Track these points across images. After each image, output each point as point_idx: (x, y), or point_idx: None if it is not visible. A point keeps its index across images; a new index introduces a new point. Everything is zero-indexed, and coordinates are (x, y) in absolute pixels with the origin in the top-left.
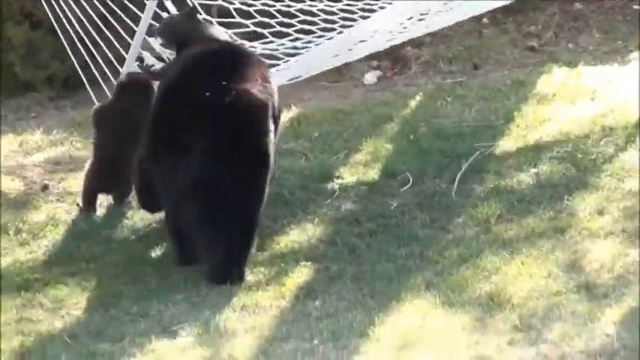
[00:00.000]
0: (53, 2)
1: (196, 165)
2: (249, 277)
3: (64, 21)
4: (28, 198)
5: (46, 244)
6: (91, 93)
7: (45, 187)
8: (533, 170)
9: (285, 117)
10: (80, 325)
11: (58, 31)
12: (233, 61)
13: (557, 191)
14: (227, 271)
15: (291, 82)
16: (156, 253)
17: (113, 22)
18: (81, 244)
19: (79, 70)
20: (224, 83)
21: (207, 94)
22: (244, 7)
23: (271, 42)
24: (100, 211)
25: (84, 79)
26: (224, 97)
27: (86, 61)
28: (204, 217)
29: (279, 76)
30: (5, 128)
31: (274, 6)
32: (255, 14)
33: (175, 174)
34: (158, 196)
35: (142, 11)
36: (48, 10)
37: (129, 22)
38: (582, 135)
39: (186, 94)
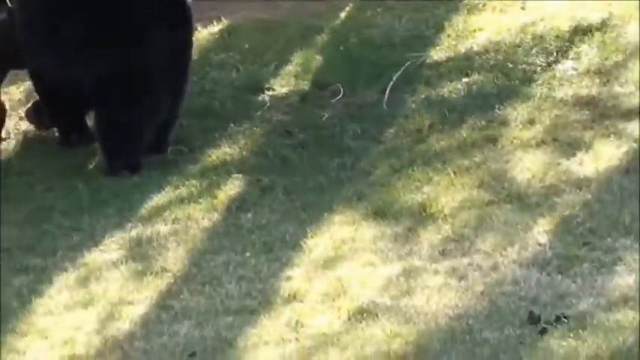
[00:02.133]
0: None
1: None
2: (182, 189)
3: None
4: None
5: None
6: None
7: None
8: (465, 80)
9: (215, 29)
10: (12, 239)
11: None
12: None
13: (488, 101)
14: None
15: None
16: (87, 167)
17: None
18: (13, 158)
19: None
20: None
21: None
22: None
23: None
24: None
25: None
26: None
27: None
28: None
29: None
30: None
31: None
32: None
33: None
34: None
35: None
36: None
37: None
38: (513, 44)
39: None
